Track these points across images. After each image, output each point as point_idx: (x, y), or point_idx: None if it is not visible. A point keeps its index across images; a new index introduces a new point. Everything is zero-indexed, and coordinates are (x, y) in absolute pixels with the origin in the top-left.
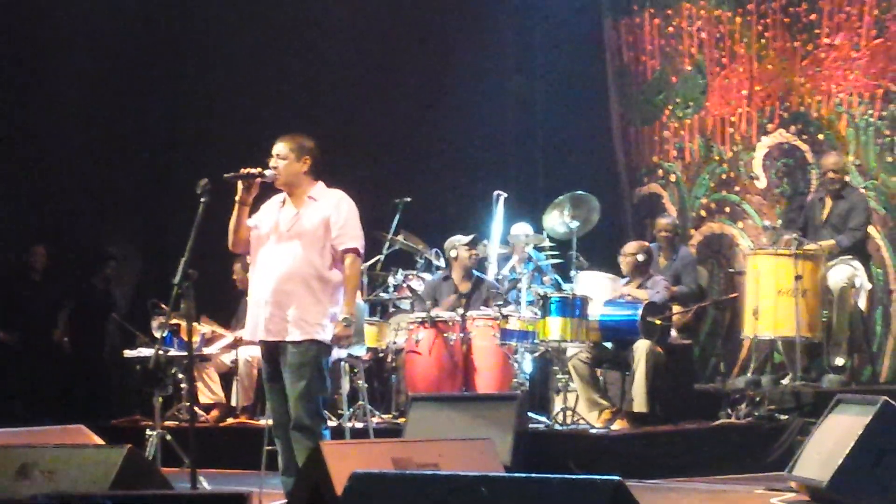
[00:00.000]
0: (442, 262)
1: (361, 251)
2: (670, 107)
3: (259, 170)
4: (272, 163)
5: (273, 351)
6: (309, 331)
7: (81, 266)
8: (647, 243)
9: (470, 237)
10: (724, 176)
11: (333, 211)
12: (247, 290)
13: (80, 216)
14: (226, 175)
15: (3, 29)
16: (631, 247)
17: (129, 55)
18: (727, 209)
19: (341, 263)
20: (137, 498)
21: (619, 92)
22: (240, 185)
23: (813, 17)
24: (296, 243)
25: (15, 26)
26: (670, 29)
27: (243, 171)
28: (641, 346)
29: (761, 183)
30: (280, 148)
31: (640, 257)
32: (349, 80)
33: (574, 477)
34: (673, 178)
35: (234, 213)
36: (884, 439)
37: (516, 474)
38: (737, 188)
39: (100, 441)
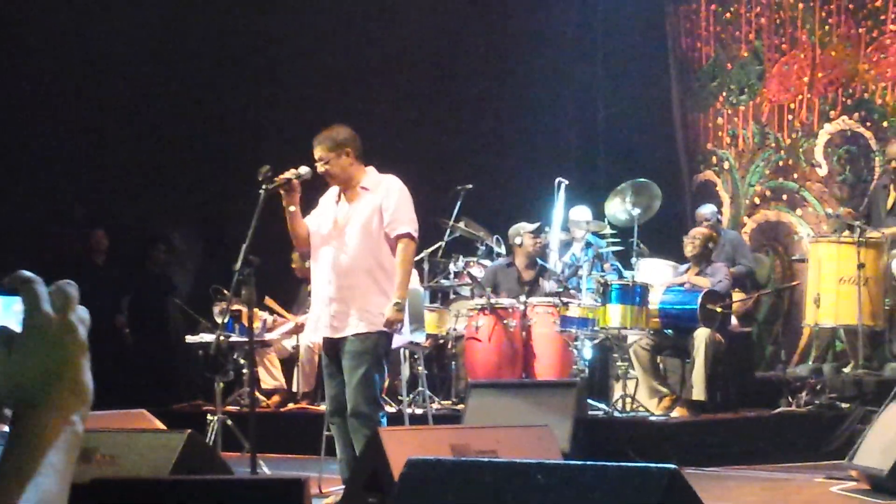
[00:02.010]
0: (503, 249)
1: (415, 235)
2: (724, 93)
3: (293, 172)
4: (319, 168)
5: (336, 344)
6: (374, 321)
7: (142, 252)
8: (713, 230)
9: (535, 225)
10: (781, 163)
11: (385, 198)
12: (306, 278)
13: (140, 201)
14: (262, 189)
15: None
16: (699, 231)
17: (191, 39)
18: (784, 196)
19: (395, 249)
20: (198, 482)
21: (678, 79)
22: (281, 192)
23: (878, 3)
24: (353, 237)
25: (77, 5)
26: (727, 15)
27: (278, 179)
28: (701, 334)
29: (822, 170)
30: (318, 152)
31: (710, 244)
32: (411, 67)
33: (630, 465)
34: (726, 165)
35: (287, 218)
36: None
37: (572, 461)
38: (795, 175)
39: (161, 426)
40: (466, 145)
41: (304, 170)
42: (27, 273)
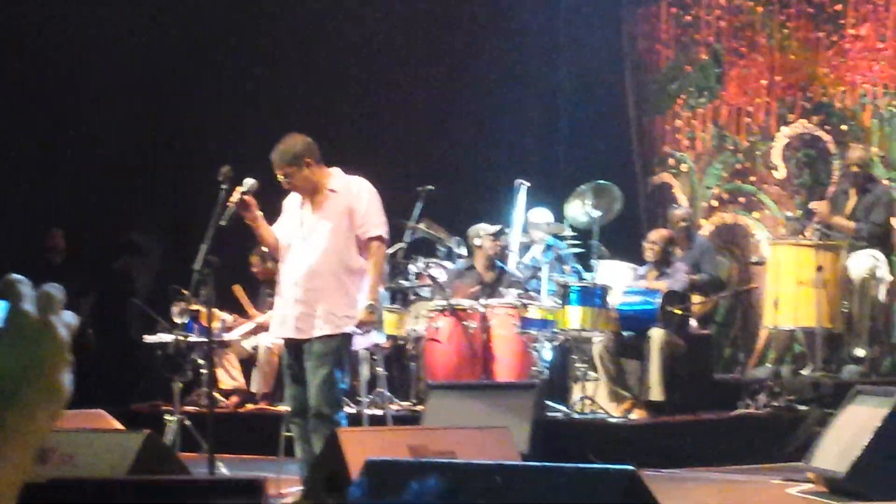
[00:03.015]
0: (463, 251)
1: (386, 237)
2: (683, 96)
3: (238, 190)
4: (284, 184)
5: (299, 345)
6: (339, 324)
7: (103, 251)
8: (672, 232)
9: (496, 228)
10: (738, 166)
11: (355, 200)
12: (267, 279)
13: (100, 201)
14: (221, 223)
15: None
16: (658, 234)
17: (156, 39)
18: (742, 199)
19: (366, 251)
20: (155, 483)
21: (634, 81)
22: (241, 213)
23: (838, 7)
24: (321, 239)
25: (44, 8)
26: (687, 18)
27: (230, 203)
28: (656, 335)
29: (780, 173)
30: (278, 170)
31: (669, 247)
32: (372, 68)
33: (588, 466)
34: (684, 167)
35: (254, 231)
36: None
37: (530, 463)
38: (753, 178)
39: (119, 426)
40: (427, 147)
41: (248, 182)
42: (14, 275)
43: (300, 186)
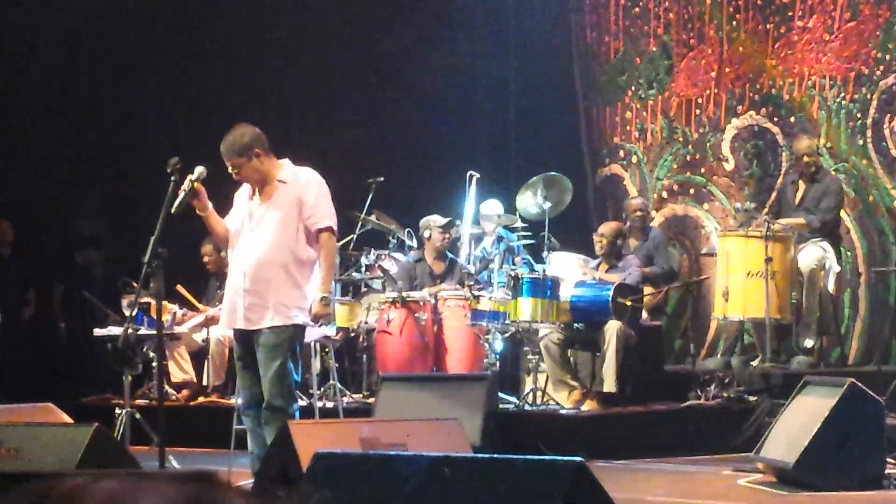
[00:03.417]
0: (414, 242)
1: (335, 228)
2: (633, 87)
3: (189, 178)
4: (233, 175)
5: (249, 336)
6: (289, 315)
7: (52, 243)
8: (622, 225)
9: (446, 220)
10: (688, 157)
11: (304, 192)
12: (218, 271)
13: (49, 192)
14: (173, 210)
15: None
16: (607, 227)
17: (103, 30)
18: (692, 191)
19: (316, 243)
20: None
21: (583, 73)
22: (192, 203)
23: None
24: (269, 230)
25: None
26: (636, 10)
27: (179, 192)
28: (612, 327)
29: (729, 165)
30: (227, 161)
31: (619, 240)
32: (321, 59)
33: (536, 458)
34: (634, 159)
35: (204, 221)
36: (849, 422)
37: (479, 455)
38: (703, 170)
39: (68, 419)
40: (378, 138)
41: (198, 170)
42: None
43: (249, 177)
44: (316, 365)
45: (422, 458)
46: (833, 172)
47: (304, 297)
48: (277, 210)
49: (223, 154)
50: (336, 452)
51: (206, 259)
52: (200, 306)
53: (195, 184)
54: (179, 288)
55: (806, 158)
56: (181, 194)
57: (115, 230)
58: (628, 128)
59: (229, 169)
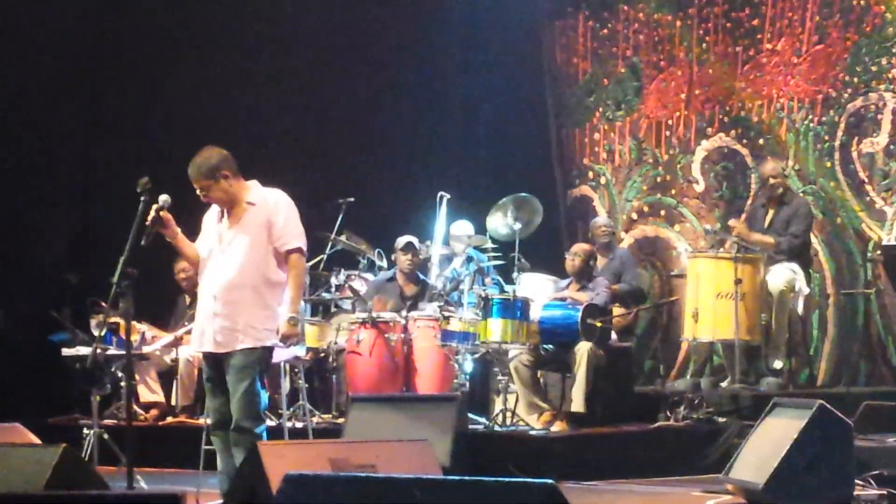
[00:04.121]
0: (384, 263)
1: (304, 249)
2: (601, 109)
3: (154, 208)
4: (202, 198)
5: (219, 358)
6: (259, 336)
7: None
8: (593, 246)
9: (405, 241)
10: (658, 179)
11: (273, 213)
12: (192, 288)
13: (13, 209)
14: (143, 242)
15: None
16: (580, 248)
17: (70, 44)
18: (663, 212)
19: (285, 264)
20: (72, 497)
21: (552, 94)
22: (161, 231)
23: (755, 22)
24: (239, 253)
25: None
26: (605, 31)
27: (147, 223)
28: (583, 348)
29: (700, 186)
30: (195, 183)
31: (591, 261)
32: (293, 80)
33: (508, 480)
34: (603, 180)
35: (175, 247)
36: (818, 443)
37: (450, 477)
38: (673, 191)
39: (36, 440)
40: (348, 158)
41: (162, 199)
42: None
43: (218, 199)
44: (285, 385)
45: (393, 480)
46: (801, 195)
47: (273, 318)
48: (246, 234)
49: (191, 176)
50: (306, 474)
51: (182, 276)
52: (162, 334)
53: (161, 212)
54: (144, 323)
55: (772, 181)
56: (147, 226)
57: (83, 250)
58: (597, 149)
59: (197, 191)
